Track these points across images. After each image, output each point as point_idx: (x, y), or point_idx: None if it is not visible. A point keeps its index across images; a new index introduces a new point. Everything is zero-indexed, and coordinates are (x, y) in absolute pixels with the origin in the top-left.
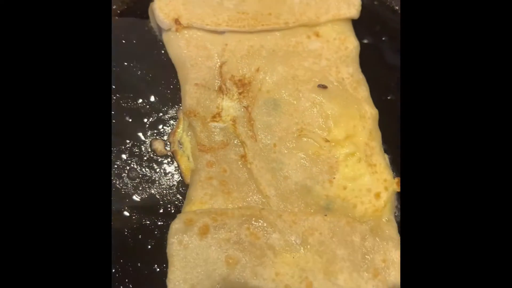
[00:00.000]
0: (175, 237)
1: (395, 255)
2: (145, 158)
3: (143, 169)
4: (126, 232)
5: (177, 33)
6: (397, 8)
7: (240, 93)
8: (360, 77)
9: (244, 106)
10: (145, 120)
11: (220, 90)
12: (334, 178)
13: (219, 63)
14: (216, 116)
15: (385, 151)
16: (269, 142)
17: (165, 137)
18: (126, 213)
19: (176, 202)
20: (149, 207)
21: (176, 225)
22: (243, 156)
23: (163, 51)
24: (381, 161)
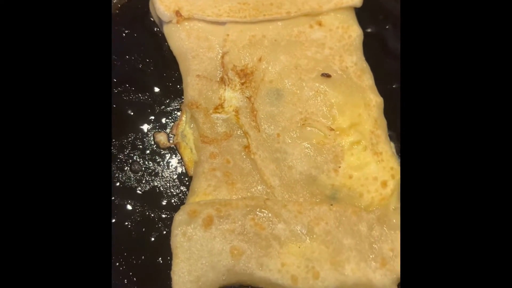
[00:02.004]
0: (179, 229)
1: None
2: (148, 151)
3: (146, 162)
4: (129, 225)
5: (178, 25)
6: None
7: (242, 84)
8: (364, 65)
9: (247, 97)
10: (148, 113)
11: (222, 81)
12: (339, 167)
13: (220, 54)
14: (219, 107)
15: (391, 139)
16: (272, 132)
17: (168, 130)
18: (129, 207)
19: (180, 195)
20: (152, 200)
21: (179, 216)
22: (247, 147)
23: (164, 44)
24: (387, 149)
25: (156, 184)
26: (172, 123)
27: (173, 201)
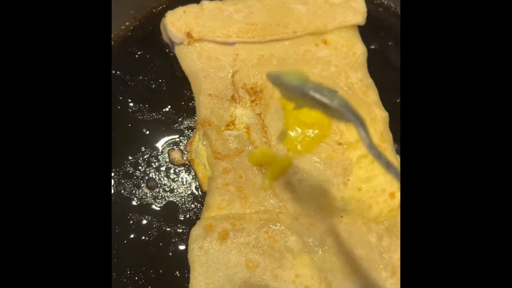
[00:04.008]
0: (196, 243)
1: None
2: (163, 168)
3: (162, 179)
4: (147, 240)
5: (189, 46)
6: None
7: (252, 101)
8: (369, 81)
9: (257, 114)
10: (162, 131)
11: (233, 99)
12: (348, 180)
13: (231, 73)
14: (230, 124)
15: (397, 151)
16: (282, 147)
17: (182, 147)
18: (147, 222)
19: (195, 210)
20: (168, 215)
21: (196, 231)
22: None
23: (176, 64)
24: (394, 162)
25: (171, 200)
26: (186, 141)
27: (188, 216)
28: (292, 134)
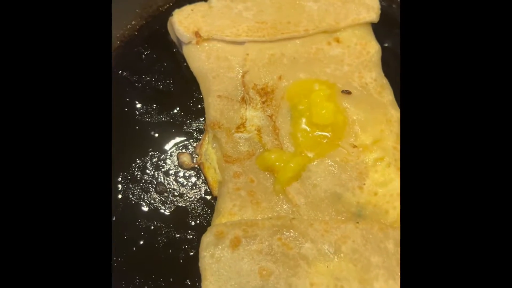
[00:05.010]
0: (207, 251)
1: None
2: (172, 172)
3: (171, 183)
4: (156, 247)
5: (198, 46)
6: None
7: (263, 102)
8: (384, 81)
9: (268, 115)
10: (170, 134)
11: (243, 100)
12: (364, 184)
13: (241, 73)
14: (241, 127)
15: None
16: (295, 150)
17: (191, 150)
18: (156, 228)
19: (205, 215)
20: (178, 221)
21: (207, 238)
22: None
23: (183, 64)
24: None
25: (181, 205)
26: (195, 143)
27: (199, 221)
28: (304, 136)
